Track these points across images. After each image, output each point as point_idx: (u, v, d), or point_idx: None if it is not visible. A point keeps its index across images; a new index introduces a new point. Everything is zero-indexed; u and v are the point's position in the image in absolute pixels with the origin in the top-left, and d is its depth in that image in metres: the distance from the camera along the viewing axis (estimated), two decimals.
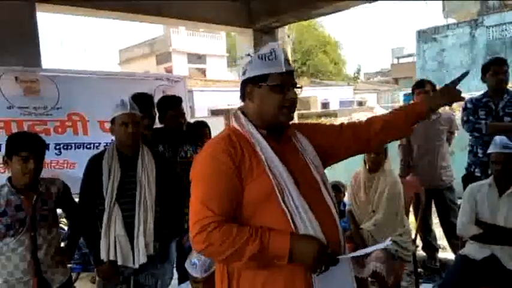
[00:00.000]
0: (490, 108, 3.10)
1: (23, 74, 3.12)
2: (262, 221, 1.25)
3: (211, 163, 1.28)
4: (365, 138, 1.49)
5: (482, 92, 3.28)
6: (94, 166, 2.21)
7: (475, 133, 3.12)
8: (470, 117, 3.14)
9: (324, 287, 1.25)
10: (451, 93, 1.47)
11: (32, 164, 1.97)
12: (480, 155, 3.12)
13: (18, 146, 1.97)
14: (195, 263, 2.03)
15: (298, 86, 1.36)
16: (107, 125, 3.40)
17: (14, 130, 2.97)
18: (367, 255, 2.63)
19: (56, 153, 3.20)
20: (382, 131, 1.47)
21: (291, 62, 1.36)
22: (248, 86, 1.34)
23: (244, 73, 1.36)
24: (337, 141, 1.48)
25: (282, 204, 1.24)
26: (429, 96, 1.49)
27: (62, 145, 3.21)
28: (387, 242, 1.38)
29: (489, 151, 2.52)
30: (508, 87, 3.21)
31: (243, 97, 1.38)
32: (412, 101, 3.97)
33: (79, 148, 3.30)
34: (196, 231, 1.22)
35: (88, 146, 3.34)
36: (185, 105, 3.15)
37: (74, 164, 3.22)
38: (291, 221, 1.23)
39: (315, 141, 1.45)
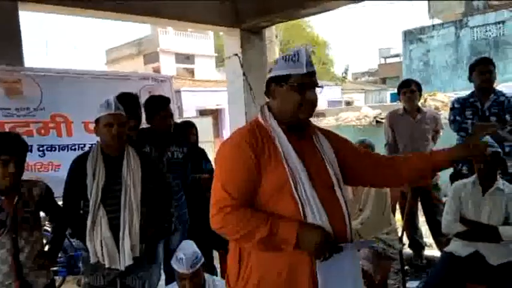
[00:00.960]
0: (476, 108, 3.15)
1: (4, 73, 3.05)
2: (276, 208, 1.35)
3: (234, 150, 1.40)
4: (385, 173, 1.57)
5: (469, 91, 3.33)
6: (78, 167, 2.17)
7: (462, 133, 3.16)
8: (457, 117, 3.18)
9: (325, 272, 1.32)
10: (475, 147, 1.47)
11: (12, 167, 1.92)
12: None
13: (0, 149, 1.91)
14: (181, 258, 2.04)
15: (318, 86, 1.44)
16: (92, 126, 3.37)
17: None
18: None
19: (39, 155, 3.15)
20: (404, 172, 1.55)
21: (313, 63, 1.44)
22: (271, 85, 1.45)
23: (269, 72, 1.47)
24: (356, 165, 1.57)
25: (295, 194, 1.34)
26: (454, 148, 1.54)
27: (45, 147, 3.16)
28: (371, 240, 1.46)
29: None
30: (495, 87, 3.26)
31: (267, 94, 1.48)
32: (399, 102, 4.01)
33: (63, 150, 3.26)
34: (215, 212, 1.36)
35: (73, 148, 3.30)
36: (172, 106, 3.13)
37: (59, 166, 3.17)
38: (301, 210, 1.33)
39: (336, 150, 1.53)
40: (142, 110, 2.83)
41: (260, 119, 1.48)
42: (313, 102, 1.42)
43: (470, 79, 3.23)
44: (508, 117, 3.06)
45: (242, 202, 1.35)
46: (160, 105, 2.77)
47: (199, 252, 2.12)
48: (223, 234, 1.39)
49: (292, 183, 1.34)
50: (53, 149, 3.21)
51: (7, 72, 3.08)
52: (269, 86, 1.47)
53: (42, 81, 3.23)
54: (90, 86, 3.43)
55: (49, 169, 3.18)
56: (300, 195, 1.34)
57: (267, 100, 1.51)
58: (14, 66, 3.17)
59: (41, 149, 3.16)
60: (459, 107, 3.21)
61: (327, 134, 1.59)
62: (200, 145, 3.52)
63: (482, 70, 3.12)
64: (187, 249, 2.10)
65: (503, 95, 3.20)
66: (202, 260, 2.12)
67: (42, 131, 3.18)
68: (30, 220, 2.04)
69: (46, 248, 2.23)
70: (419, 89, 3.67)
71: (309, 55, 1.42)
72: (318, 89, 1.44)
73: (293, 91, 1.40)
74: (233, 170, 1.38)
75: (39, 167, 3.12)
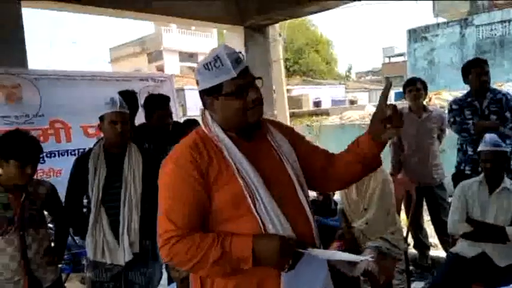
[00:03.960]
0: (475, 108, 3.12)
1: (5, 78, 3.09)
2: (232, 227, 1.21)
3: (174, 173, 1.23)
4: (331, 175, 1.41)
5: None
6: (80, 165, 2.19)
7: (464, 133, 3.14)
8: (457, 118, 3.16)
9: (292, 284, 1.21)
10: (378, 109, 1.27)
11: (29, 169, 1.97)
12: (470, 153, 3.13)
13: (18, 152, 1.94)
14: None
15: (256, 78, 1.27)
16: (91, 130, 3.40)
17: None
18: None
19: (40, 162, 3.17)
20: (341, 170, 1.39)
21: (241, 56, 1.26)
22: (206, 98, 1.28)
23: (197, 83, 1.29)
24: (308, 161, 1.40)
25: (253, 209, 1.20)
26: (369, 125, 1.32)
27: (45, 153, 3.17)
28: (366, 257, 1.37)
29: (479, 149, 2.52)
30: (501, 86, 3.23)
31: (204, 107, 1.31)
32: (404, 100, 3.98)
33: (63, 155, 3.29)
34: (160, 244, 1.21)
35: (72, 153, 3.34)
36: (173, 104, 3.12)
37: (60, 171, 3.20)
38: (261, 225, 1.20)
39: (293, 144, 1.39)
40: (141, 109, 2.84)
41: (204, 129, 1.30)
42: (258, 101, 1.25)
43: (465, 81, 3.20)
44: (508, 114, 3.04)
45: (189, 229, 1.19)
46: (160, 104, 2.77)
47: None
48: (176, 265, 1.27)
49: (248, 197, 1.20)
50: (53, 155, 3.23)
51: (7, 76, 3.10)
52: (203, 99, 1.29)
53: (42, 85, 3.27)
54: (88, 88, 3.45)
55: (51, 175, 3.21)
56: (258, 209, 1.20)
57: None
58: (15, 68, 3.19)
59: (41, 156, 3.19)
60: (457, 107, 3.19)
61: (281, 128, 1.43)
62: None
63: (478, 72, 3.09)
64: None
65: (500, 92, 3.19)
66: None
67: (42, 138, 3.17)
68: (37, 218, 2.07)
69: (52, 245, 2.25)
70: (425, 88, 3.63)
71: (232, 51, 1.24)
72: (258, 81, 1.27)
73: (231, 99, 1.23)
74: (176, 195, 1.22)
75: (41, 174, 3.12)
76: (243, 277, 1.22)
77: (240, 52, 1.30)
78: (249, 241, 1.16)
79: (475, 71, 3.10)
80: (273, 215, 1.21)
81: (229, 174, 1.22)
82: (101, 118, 2.17)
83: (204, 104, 1.31)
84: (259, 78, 1.28)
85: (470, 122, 3.09)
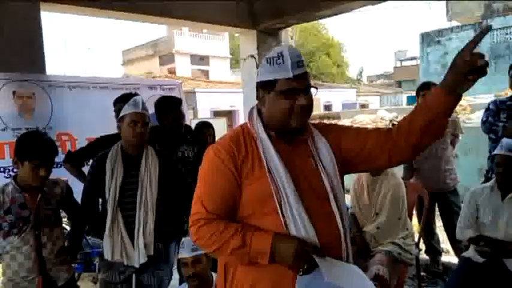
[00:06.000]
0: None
1: (21, 85, 3.20)
2: (259, 222, 1.25)
3: (213, 161, 1.30)
4: (393, 147, 1.30)
5: (487, 95, 3.27)
6: (98, 165, 2.21)
7: (492, 134, 3.11)
8: (490, 118, 3.13)
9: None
10: (460, 60, 1.13)
11: (43, 171, 1.99)
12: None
13: (32, 153, 1.96)
14: (183, 242, 2.08)
15: (311, 86, 1.29)
16: None
17: (7, 153, 3.08)
18: (370, 257, 2.62)
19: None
20: (413, 133, 1.25)
21: (303, 61, 1.28)
22: (259, 91, 1.33)
23: (257, 74, 1.34)
24: (363, 151, 1.35)
25: (278, 209, 1.23)
26: (445, 75, 1.18)
27: None
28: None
29: (494, 152, 2.50)
30: None
31: (257, 99, 1.36)
32: (414, 104, 3.94)
33: None
34: (190, 224, 1.31)
35: None
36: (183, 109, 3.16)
37: (66, 181, 3.27)
38: (284, 225, 1.23)
39: (338, 146, 1.37)
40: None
41: (248, 124, 1.36)
42: (306, 108, 1.27)
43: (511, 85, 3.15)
44: None
45: (218, 216, 1.27)
46: (172, 106, 2.80)
47: None
48: (199, 246, 1.34)
49: (275, 196, 1.23)
50: (58, 165, 3.29)
51: (22, 83, 3.20)
52: (258, 91, 1.34)
53: (54, 93, 3.38)
54: (98, 97, 3.54)
55: None
56: (283, 210, 1.23)
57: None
58: (33, 74, 3.29)
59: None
60: (494, 108, 3.16)
61: (325, 128, 1.41)
62: None
63: None
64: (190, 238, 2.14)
65: None
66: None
67: None
68: (52, 217, 2.10)
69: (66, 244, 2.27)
70: None
71: (297, 54, 1.26)
72: (313, 90, 1.29)
73: (281, 98, 1.25)
74: (211, 182, 1.30)
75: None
76: (260, 272, 1.26)
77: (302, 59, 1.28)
78: (269, 238, 1.20)
79: None
80: (298, 218, 1.23)
81: (260, 172, 1.26)
82: (121, 119, 2.18)
83: (257, 96, 1.35)
84: (315, 87, 1.30)
85: (501, 124, 3.05)
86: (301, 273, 1.20)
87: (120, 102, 2.76)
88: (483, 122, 3.19)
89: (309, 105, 1.28)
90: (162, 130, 2.80)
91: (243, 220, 1.28)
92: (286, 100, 1.25)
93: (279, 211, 1.23)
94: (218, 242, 1.24)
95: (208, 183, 1.31)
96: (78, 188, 2.35)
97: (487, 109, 3.23)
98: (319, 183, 1.31)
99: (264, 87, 1.30)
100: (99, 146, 2.53)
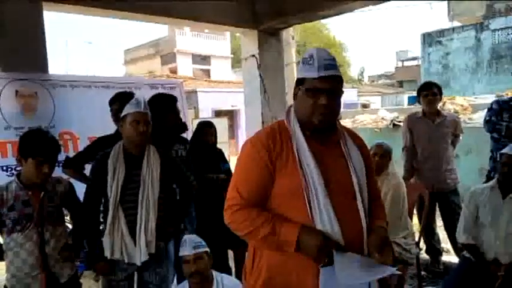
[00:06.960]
0: None
1: (24, 85, 3.21)
2: (287, 213, 1.35)
3: (250, 152, 1.41)
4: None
5: (488, 95, 3.28)
6: (100, 164, 2.22)
7: (495, 134, 3.12)
8: (493, 118, 3.15)
9: (328, 280, 1.29)
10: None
11: (46, 168, 2.00)
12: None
13: (35, 150, 1.98)
14: (184, 241, 2.12)
15: (337, 91, 1.38)
16: None
17: (10, 152, 3.10)
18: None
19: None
20: None
21: (333, 64, 1.38)
22: (295, 87, 1.45)
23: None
24: None
25: (306, 203, 1.31)
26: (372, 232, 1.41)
27: None
28: (391, 270, 1.36)
29: (502, 151, 2.50)
30: None
31: (293, 95, 1.48)
32: (418, 104, 3.92)
33: None
34: (225, 208, 1.42)
35: None
36: (182, 109, 3.17)
37: (68, 179, 3.28)
38: (311, 218, 1.31)
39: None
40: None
41: (285, 121, 1.46)
42: (327, 108, 1.36)
43: None
44: None
45: (251, 203, 1.38)
46: (170, 107, 2.77)
47: (203, 240, 2.17)
48: (232, 229, 1.43)
49: (304, 189, 1.32)
50: (60, 164, 3.31)
51: (25, 82, 3.22)
52: (294, 88, 1.47)
53: (56, 92, 3.40)
54: (100, 96, 3.53)
55: None
56: (311, 203, 1.31)
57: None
58: (35, 73, 3.30)
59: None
60: (497, 108, 3.18)
61: (357, 140, 1.53)
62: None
63: None
64: (191, 236, 2.21)
65: None
66: (206, 248, 2.15)
67: None
68: (55, 214, 2.11)
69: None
70: (440, 93, 3.61)
71: (326, 58, 1.37)
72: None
73: (306, 96, 1.38)
74: (247, 171, 1.41)
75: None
76: (285, 261, 1.36)
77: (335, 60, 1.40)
78: (296, 229, 1.30)
79: None
80: (325, 213, 1.32)
81: (293, 167, 1.35)
82: (123, 118, 2.19)
83: (294, 92, 1.47)
84: (339, 90, 1.39)
85: (504, 124, 3.07)
86: (321, 265, 1.29)
87: (116, 101, 2.77)
88: (486, 121, 3.20)
89: (329, 106, 1.36)
90: (155, 129, 2.79)
91: (272, 210, 1.37)
92: (309, 98, 1.37)
93: (307, 205, 1.32)
94: (250, 227, 1.35)
95: (244, 171, 1.42)
96: (80, 189, 2.36)
97: (490, 109, 3.25)
98: (348, 182, 1.40)
99: (297, 84, 1.43)
100: (97, 148, 2.53)
